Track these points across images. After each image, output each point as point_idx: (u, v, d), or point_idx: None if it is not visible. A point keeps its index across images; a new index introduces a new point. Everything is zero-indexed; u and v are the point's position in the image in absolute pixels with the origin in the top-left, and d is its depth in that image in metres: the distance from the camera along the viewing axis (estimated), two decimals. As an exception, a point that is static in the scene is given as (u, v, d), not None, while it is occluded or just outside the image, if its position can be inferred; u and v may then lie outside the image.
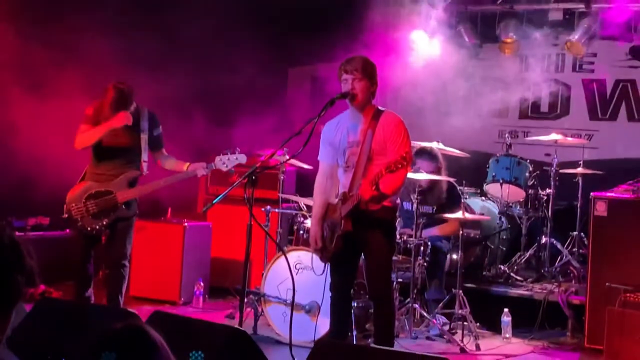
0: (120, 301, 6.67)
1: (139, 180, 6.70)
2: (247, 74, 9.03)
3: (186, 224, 8.19)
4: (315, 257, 6.05)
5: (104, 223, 6.50)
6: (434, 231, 7.49)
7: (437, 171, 7.45)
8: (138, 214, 6.76)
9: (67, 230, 6.97)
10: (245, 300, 7.02)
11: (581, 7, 9.26)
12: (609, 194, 7.05)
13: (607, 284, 6.70)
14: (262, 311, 7.00)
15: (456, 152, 8.30)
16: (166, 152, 6.85)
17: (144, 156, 6.62)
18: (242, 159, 6.74)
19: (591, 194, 7.08)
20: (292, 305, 5.71)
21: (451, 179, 7.66)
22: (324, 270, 5.81)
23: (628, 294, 6.47)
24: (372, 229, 5.54)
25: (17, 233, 7.73)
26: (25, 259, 1.95)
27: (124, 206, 6.55)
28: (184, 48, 9.02)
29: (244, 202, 5.44)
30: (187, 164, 6.72)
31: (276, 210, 7.74)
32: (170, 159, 6.82)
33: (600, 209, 6.97)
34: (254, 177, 5.35)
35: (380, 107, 5.75)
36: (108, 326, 2.23)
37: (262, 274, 7.06)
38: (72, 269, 6.68)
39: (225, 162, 6.68)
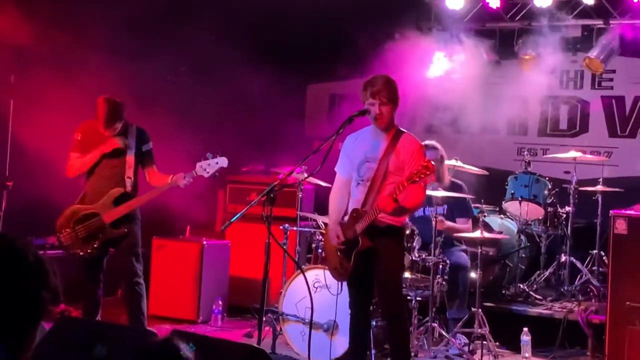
0: (143, 320, 6.67)
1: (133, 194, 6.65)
2: (266, 90, 9.07)
3: (204, 242, 8.21)
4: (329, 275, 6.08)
5: (95, 246, 6.49)
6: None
7: (441, 159, 7.45)
8: (137, 227, 6.67)
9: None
10: (264, 318, 7.05)
11: (600, 23, 9.24)
12: (629, 212, 6.98)
13: (627, 303, 6.65)
14: (281, 330, 6.98)
15: (474, 169, 8.28)
16: (157, 168, 6.77)
17: (129, 173, 6.58)
18: (223, 162, 6.62)
19: (611, 212, 7.03)
20: (311, 324, 5.70)
21: (459, 181, 7.67)
22: (340, 289, 5.83)
23: (649, 313, 6.42)
24: (382, 248, 5.56)
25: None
26: (50, 276, 1.98)
27: (111, 226, 6.52)
28: (200, 66, 9.07)
29: (263, 221, 5.45)
30: (171, 176, 6.62)
31: (294, 228, 7.73)
32: (157, 174, 6.74)
33: (620, 227, 6.91)
34: (272, 195, 5.36)
35: (400, 128, 5.78)
36: (128, 345, 2.24)
37: (281, 293, 7.05)
38: (81, 295, 6.69)
39: (206, 167, 6.56)
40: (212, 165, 6.58)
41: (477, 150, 9.15)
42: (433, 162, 7.26)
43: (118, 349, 4.01)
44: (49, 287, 1.96)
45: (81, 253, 6.52)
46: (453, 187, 7.50)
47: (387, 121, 5.69)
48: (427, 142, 7.60)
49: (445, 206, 7.47)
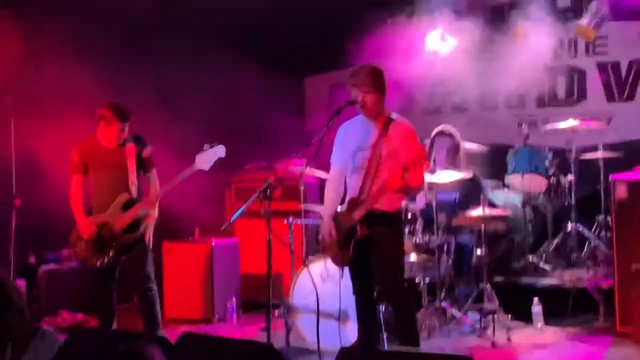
0: (158, 325, 6.76)
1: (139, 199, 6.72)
2: (263, 87, 9.15)
3: (213, 242, 8.31)
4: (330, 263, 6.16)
5: (110, 254, 6.59)
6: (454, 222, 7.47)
7: (456, 148, 7.51)
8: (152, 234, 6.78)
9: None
10: (276, 313, 7.15)
11: (588, -10, 9.25)
12: (628, 176, 7.03)
13: (633, 265, 6.70)
14: (293, 323, 7.06)
15: (474, 146, 8.31)
16: (157, 172, 6.84)
17: (132, 179, 6.66)
18: (221, 151, 6.65)
19: (610, 177, 7.08)
20: (318, 316, 5.79)
21: (468, 173, 7.66)
22: (342, 276, 5.92)
23: (654, 274, 6.48)
24: (379, 235, 5.63)
25: (52, 265, 7.91)
26: (14, 298, 2.04)
27: (124, 233, 6.61)
28: (195, 69, 9.15)
29: (270, 216, 5.49)
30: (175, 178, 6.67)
31: (299, 221, 7.79)
32: (157, 179, 6.82)
33: (621, 191, 6.96)
34: (268, 192, 5.44)
35: (391, 115, 5.84)
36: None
37: (290, 286, 7.13)
38: (96, 305, 6.85)
39: (204, 159, 6.61)
40: (210, 155, 6.63)
41: (477, 126, 9.18)
42: (447, 151, 7.38)
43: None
44: (14, 309, 2.03)
45: (98, 264, 6.62)
46: (470, 175, 7.54)
47: (374, 110, 5.74)
48: (442, 127, 7.64)
49: (458, 193, 7.53)
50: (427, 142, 7.55)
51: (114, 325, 6.81)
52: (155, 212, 6.81)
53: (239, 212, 5.57)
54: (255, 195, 5.51)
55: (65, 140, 7.31)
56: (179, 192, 7.15)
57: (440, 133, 7.56)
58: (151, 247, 6.85)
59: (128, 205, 6.67)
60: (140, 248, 6.69)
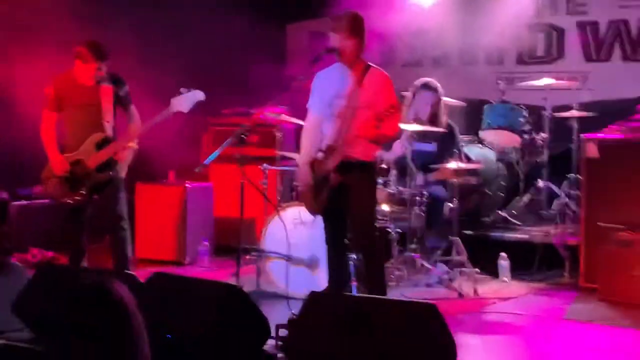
0: (128, 265, 6.79)
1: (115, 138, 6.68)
2: (245, 33, 9.10)
3: (187, 185, 8.34)
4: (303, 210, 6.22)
5: (83, 192, 6.56)
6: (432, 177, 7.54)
7: (438, 102, 7.55)
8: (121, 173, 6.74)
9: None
10: (248, 257, 7.21)
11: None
12: (599, 135, 7.12)
13: (599, 223, 6.83)
14: (264, 267, 7.12)
15: (452, 101, 8.35)
16: (134, 110, 6.77)
17: (107, 117, 6.59)
18: (199, 95, 6.53)
19: (581, 135, 7.16)
20: (287, 262, 5.88)
21: (453, 123, 7.72)
22: (314, 224, 5.99)
23: (620, 233, 6.60)
24: (353, 183, 5.69)
25: (23, 201, 7.87)
26: None
27: (97, 171, 6.58)
28: (180, 10, 9.08)
29: (244, 161, 5.53)
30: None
31: (274, 168, 7.82)
32: (136, 117, 6.76)
33: (592, 150, 7.06)
34: (242, 137, 5.48)
35: (369, 63, 5.86)
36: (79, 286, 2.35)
37: (262, 231, 7.18)
38: (66, 242, 6.88)
39: (182, 102, 6.50)
40: (188, 98, 6.53)
41: (456, 80, 9.18)
42: (431, 105, 7.44)
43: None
44: None
45: (70, 201, 6.58)
46: (448, 128, 7.59)
47: (351, 56, 5.77)
48: (426, 80, 7.65)
49: (436, 144, 7.57)
50: (409, 94, 7.61)
51: (83, 264, 6.84)
52: (134, 145, 6.78)
53: (213, 155, 5.61)
54: (230, 140, 5.55)
55: (40, 75, 7.25)
56: (156, 134, 7.14)
57: (425, 86, 7.59)
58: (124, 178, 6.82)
59: (102, 143, 6.61)
60: (113, 187, 6.67)
